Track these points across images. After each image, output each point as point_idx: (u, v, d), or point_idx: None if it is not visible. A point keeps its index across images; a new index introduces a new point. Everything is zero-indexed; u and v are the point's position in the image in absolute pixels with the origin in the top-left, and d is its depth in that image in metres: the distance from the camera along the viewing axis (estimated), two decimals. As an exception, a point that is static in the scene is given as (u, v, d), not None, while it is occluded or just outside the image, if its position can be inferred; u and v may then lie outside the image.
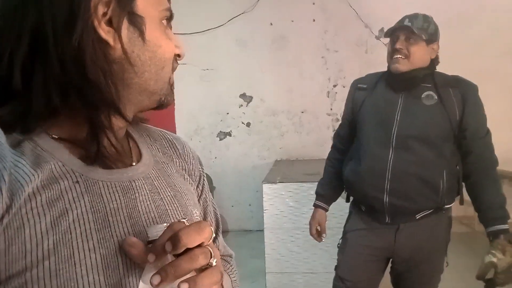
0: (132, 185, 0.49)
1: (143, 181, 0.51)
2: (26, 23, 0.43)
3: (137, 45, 0.48)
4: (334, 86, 4.23)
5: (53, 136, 0.47)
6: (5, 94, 0.45)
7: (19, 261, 0.39)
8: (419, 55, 1.49)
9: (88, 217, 0.44)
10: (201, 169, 0.66)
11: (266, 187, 2.52)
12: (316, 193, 1.78)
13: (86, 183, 0.45)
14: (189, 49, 3.70)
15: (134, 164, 0.52)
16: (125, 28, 0.47)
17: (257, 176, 4.19)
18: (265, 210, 2.55)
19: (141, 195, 0.50)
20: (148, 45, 0.49)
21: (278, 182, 2.53)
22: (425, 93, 1.50)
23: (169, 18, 0.53)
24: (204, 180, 0.65)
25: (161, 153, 0.59)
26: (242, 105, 4.43)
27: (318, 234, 1.76)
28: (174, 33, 0.56)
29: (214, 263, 0.42)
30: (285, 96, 4.32)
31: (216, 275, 0.42)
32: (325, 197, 1.76)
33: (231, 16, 4.23)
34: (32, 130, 0.45)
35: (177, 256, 0.41)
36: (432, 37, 1.51)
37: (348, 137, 1.70)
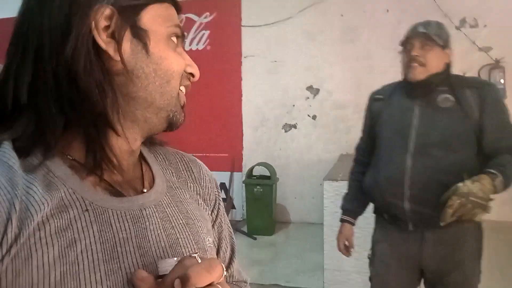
0: (142, 214, 0.48)
1: (154, 208, 0.50)
2: (29, 40, 0.44)
3: (140, 58, 0.47)
4: (406, 80, 4.04)
5: (69, 156, 0.46)
6: (13, 112, 0.45)
7: None
8: (435, 61, 1.48)
9: (96, 248, 0.43)
10: (217, 193, 0.64)
11: (327, 184, 2.50)
12: (342, 207, 1.78)
13: (96, 212, 0.45)
14: (258, 41, 3.80)
15: (145, 191, 0.51)
16: (128, 40, 0.46)
17: (321, 169, 4.16)
18: (325, 207, 2.54)
19: (152, 223, 0.48)
20: (152, 57, 0.48)
21: (340, 180, 2.50)
22: (441, 96, 1.48)
23: (180, 36, 0.52)
24: (219, 204, 0.63)
25: (175, 177, 0.58)
26: (308, 98, 4.41)
27: (346, 249, 1.76)
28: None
29: None
30: (353, 89, 4.21)
31: None
32: (351, 211, 1.75)
33: (300, 7, 4.20)
34: (47, 152, 0.45)
35: None
36: (446, 42, 1.50)
37: (369, 149, 1.69)
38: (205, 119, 4.50)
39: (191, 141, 4.57)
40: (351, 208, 1.75)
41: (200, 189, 0.60)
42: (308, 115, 4.42)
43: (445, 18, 3.82)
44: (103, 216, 0.45)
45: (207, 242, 0.55)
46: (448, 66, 1.52)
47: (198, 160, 0.64)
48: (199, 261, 0.42)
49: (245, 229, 4.20)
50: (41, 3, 0.45)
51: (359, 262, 2.52)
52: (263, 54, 4.41)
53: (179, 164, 0.60)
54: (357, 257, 2.51)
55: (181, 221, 0.52)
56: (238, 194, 4.47)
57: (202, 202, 0.59)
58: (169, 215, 0.51)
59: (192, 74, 0.54)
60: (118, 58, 0.45)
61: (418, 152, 1.47)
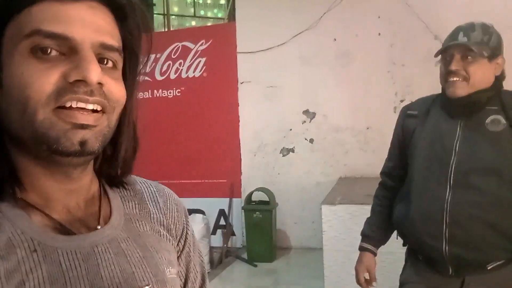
0: (94, 251, 0.47)
1: (107, 245, 0.49)
2: None
3: None
4: (401, 101, 4.06)
5: (21, 197, 0.45)
6: None
7: None
8: (480, 75, 1.24)
9: None
10: (185, 222, 0.61)
11: (325, 208, 2.47)
12: (363, 234, 1.56)
13: (44, 252, 0.44)
14: (254, 67, 3.83)
15: (99, 227, 0.49)
16: None
17: (320, 193, 4.13)
18: (323, 231, 2.50)
19: (104, 260, 0.47)
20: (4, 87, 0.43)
21: (338, 204, 2.47)
22: (491, 118, 1.24)
23: (43, 48, 0.42)
24: (187, 233, 0.61)
25: (137, 209, 0.56)
26: (305, 122, 4.42)
27: (367, 282, 1.53)
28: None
29: None
30: (349, 112, 4.23)
31: None
32: (373, 239, 1.52)
33: (294, 33, 4.27)
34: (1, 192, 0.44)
35: None
36: (495, 51, 1.25)
37: (397, 172, 1.48)
38: (203, 146, 4.49)
39: (189, 168, 4.56)
40: (373, 236, 1.52)
41: (165, 220, 0.58)
42: (305, 139, 4.43)
43: (435, 41, 3.88)
44: (52, 256, 0.44)
45: (168, 274, 0.53)
46: (498, 79, 1.28)
47: (166, 189, 0.62)
48: None
49: (245, 256, 4.13)
50: None
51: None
52: (259, 80, 4.45)
53: (145, 194, 0.58)
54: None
55: (137, 255, 0.51)
56: (238, 221, 4.41)
57: (165, 233, 0.57)
58: (124, 250, 0.50)
59: (81, 80, 0.43)
60: None
61: (459, 184, 1.24)
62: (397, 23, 4.02)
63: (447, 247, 1.25)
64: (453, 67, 1.24)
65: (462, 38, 1.25)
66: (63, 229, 0.46)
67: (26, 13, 0.42)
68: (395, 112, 4.11)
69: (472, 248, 1.24)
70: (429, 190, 1.30)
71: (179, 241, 0.59)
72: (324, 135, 4.37)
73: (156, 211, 0.57)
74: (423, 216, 1.30)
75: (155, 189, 0.60)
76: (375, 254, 1.53)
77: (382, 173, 1.58)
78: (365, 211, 2.37)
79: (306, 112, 4.41)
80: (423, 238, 1.30)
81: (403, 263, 1.52)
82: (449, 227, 1.24)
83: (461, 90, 1.25)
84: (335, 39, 4.22)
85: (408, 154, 1.40)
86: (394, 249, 1.60)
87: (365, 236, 1.55)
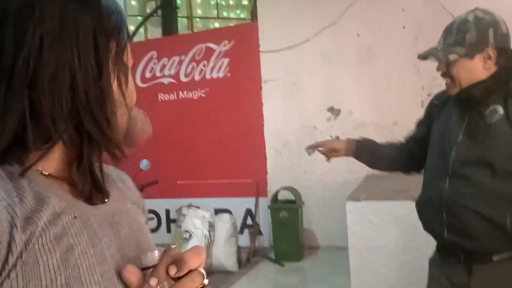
0: (114, 220, 0.52)
1: (121, 215, 0.54)
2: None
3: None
4: (429, 95, 3.95)
5: (43, 172, 0.48)
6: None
7: None
8: (464, 74, 1.25)
9: (90, 252, 0.47)
10: (142, 200, 0.67)
11: (349, 205, 2.44)
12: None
13: (82, 218, 0.48)
14: (277, 66, 3.83)
15: (106, 200, 0.54)
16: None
17: (346, 190, 4.05)
18: (348, 228, 2.47)
19: (122, 227, 0.53)
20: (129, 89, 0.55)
21: (363, 200, 2.44)
22: (490, 108, 1.23)
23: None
24: (144, 207, 0.67)
25: (116, 188, 0.60)
26: (330, 119, 4.38)
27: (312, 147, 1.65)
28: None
29: (206, 282, 0.48)
30: (374, 108, 4.16)
31: None
32: (362, 142, 1.59)
33: (317, 30, 4.24)
34: (23, 163, 0.46)
35: (173, 279, 0.46)
36: (476, 46, 1.23)
37: (418, 139, 1.50)
38: (228, 145, 4.53)
39: (215, 168, 4.60)
40: (363, 141, 1.60)
41: (133, 197, 0.64)
42: (331, 136, 4.35)
43: (465, 31, 3.76)
44: (88, 222, 0.48)
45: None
46: (506, 68, 1.25)
47: (121, 171, 0.67)
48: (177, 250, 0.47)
49: (273, 255, 4.13)
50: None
51: (385, 284, 2.42)
52: (282, 78, 4.45)
53: (113, 176, 0.62)
54: (383, 278, 2.42)
55: (136, 226, 0.57)
56: (265, 220, 4.42)
57: (138, 209, 0.63)
58: (131, 220, 0.56)
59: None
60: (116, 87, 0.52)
61: (456, 175, 1.27)
62: (422, 16, 3.92)
63: (447, 235, 1.29)
64: (438, 70, 1.31)
65: (437, 45, 1.30)
66: (87, 199, 0.51)
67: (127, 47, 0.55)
68: (422, 106, 4.00)
69: (469, 238, 1.26)
70: (432, 180, 1.35)
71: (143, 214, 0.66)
72: (350, 132, 4.29)
73: (126, 190, 0.63)
74: (427, 203, 1.36)
75: (118, 171, 0.65)
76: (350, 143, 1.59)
77: (405, 138, 1.60)
78: (391, 207, 2.34)
79: (330, 109, 4.37)
80: (429, 224, 1.37)
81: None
82: (447, 216, 1.28)
83: (452, 90, 1.31)
84: (358, 35, 4.16)
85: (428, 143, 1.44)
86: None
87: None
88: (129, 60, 0.55)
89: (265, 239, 4.46)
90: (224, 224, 4.06)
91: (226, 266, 3.96)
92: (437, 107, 1.42)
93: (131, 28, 7.11)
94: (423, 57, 1.34)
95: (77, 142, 0.49)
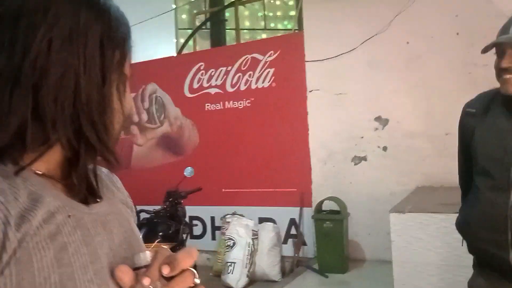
0: (107, 219, 0.53)
1: (113, 215, 0.55)
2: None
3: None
4: (484, 104, 3.74)
5: (37, 172, 0.49)
6: None
7: None
8: None
9: (83, 251, 0.47)
10: (130, 200, 0.68)
11: (393, 217, 2.36)
12: None
13: (76, 218, 0.48)
14: (322, 75, 3.80)
15: (99, 200, 0.55)
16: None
17: (395, 203, 3.93)
18: (392, 241, 2.38)
19: (115, 227, 0.54)
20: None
21: (407, 212, 2.34)
22: None
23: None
24: (133, 208, 0.67)
25: (107, 189, 0.61)
26: (377, 129, 4.26)
27: None
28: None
29: (198, 282, 0.49)
30: (424, 117, 4.00)
31: None
32: None
33: (364, 38, 4.17)
34: (18, 163, 0.47)
35: (166, 279, 0.47)
36: None
37: (467, 172, 1.39)
38: (273, 155, 4.54)
39: (259, 177, 4.63)
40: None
41: (123, 197, 0.64)
42: (378, 147, 4.26)
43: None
44: (81, 222, 0.49)
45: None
46: None
47: (112, 173, 0.67)
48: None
49: (316, 266, 4.07)
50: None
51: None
52: (327, 88, 4.41)
53: (103, 177, 0.62)
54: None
55: (128, 226, 0.58)
56: (309, 231, 4.36)
57: (128, 210, 0.64)
58: (120, 221, 0.57)
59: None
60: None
61: None
62: (478, 21, 3.73)
63: None
64: (505, 64, 1.17)
65: (501, 38, 1.18)
66: (81, 200, 0.52)
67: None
68: (477, 116, 3.80)
69: None
70: (489, 195, 1.20)
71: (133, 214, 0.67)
72: (398, 142, 4.17)
73: (116, 190, 0.63)
74: (483, 222, 1.21)
75: (107, 173, 0.65)
76: None
77: (459, 176, 1.51)
78: (436, 220, 2.22)
79: (378, 118, 4.26)
80: (485, 247, 1.22)
81: None
82: None
83: None
84: (408, 42, 4.04)
85: (471, 155, 1.31)
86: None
87: None
88: (128, 70, 0.56)
89: (309, 250, 4.40)
90: (267, 233, 4.06)
91: (269, 275, 3.94)
92: (475, 115, 1.31)
93: (181, 41, 7.40)
94: (494, 45, 1.23)
95: (74, 145, 0.49)
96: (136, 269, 0.48)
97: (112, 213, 0.56)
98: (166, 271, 0.46)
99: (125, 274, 0.47)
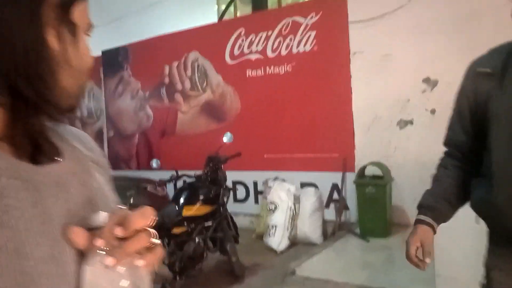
0: (63, 179, 0.50)
1: (73, 175, 0.52)
2: None
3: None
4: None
5: None
6: None
7: None
8: None
9: (31, 212, 0.45)
10: (104, 160, 0.63)
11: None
12: (420, 206, 1.26)
13: (23, 179, 0.46)
14: (366, 36, 3.65)
15: (59, 159, 0.51)
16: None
17: (442, 168, 3.81)
18: (433, 206, 2.32)
19: (73, 187, 0.50)
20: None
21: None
22: None
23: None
24: (107, 167, 0.63)
25: (71, 148, 0.57)
26: (425, 91, 4.08)
27: (419, 260, 1.18)
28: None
29: (158, 242, 0.47)
30: (476, 78, 3.76)
31: (159, 251, 0.48)
32: (435, 210, 1.22)
33: (411, -5, 3.93)
34: None
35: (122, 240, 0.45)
36: None
37: (467, 145, 1.21)
38: (315, 120, 4.50)
39: (301, 142, 4.62)
40: (437, 207, 1.23)
41: (95, 157, 0.60)
42: (426, 110, 4.09)
43: None
44: (31, 183, 0.46)
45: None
46: None
47: (81, 131, 0.64)
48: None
49: (358, 230, 4.08)
50: None
51: (476, 269, 2.24)
52: (372, 49, 4.24)
53: (67, 135, 0.59)
54: (472, 263, 2.24)
55: (95, 185, 0.54)
56: (352, 195, 4.35)
57: (100, 169, 0.60)
58: (84, 180, 0.53)
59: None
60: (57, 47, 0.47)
61: None
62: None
63: None
64: None
65: None
66: (31, 159, 0.48)
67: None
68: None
69: None
70: None
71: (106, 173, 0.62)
72: (448, 105, 3.95)
73: (85, 149, 0.59)
74: (510, 203, 1.05)
75: (75, 131, 0.62)
76: (434, 230, 1.22)
77: (447, 144, 1.33)
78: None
79: (426, 80, 4.06)
80: None
81: None
82: None
83: None
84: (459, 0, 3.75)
85: (484, 125, 1.11)
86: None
87: (423, 207, 1.25)
88: (81, 20, 0.50)
89: (352, 214, 4.40)
90: (309, 197, 4.10)
91: (311, 239, 4.02)
92: (491, 77, 1.09)
93: (222, 7, 7.32)
94: None
95: (9, 102, 0.45)
96: (92, 229, 0.46)
97: (71, 172, 0.52)
98: (117, 232, 0.43)
99: (77, 235, 0.45)
